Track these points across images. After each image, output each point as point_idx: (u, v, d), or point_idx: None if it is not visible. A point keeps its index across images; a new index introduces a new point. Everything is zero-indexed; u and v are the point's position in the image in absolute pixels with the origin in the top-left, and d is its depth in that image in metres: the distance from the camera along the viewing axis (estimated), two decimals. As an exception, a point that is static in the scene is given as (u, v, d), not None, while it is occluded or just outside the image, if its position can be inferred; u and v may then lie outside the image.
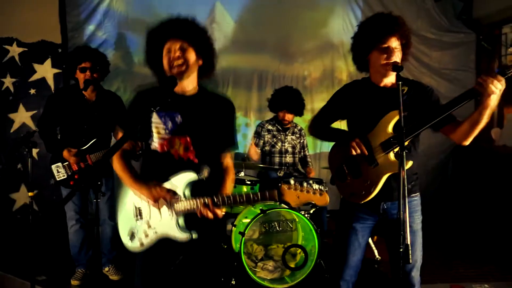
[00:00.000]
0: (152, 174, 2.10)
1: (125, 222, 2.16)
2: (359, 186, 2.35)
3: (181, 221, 2.02)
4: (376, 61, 2.31)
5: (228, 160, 2.23)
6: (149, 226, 2.07)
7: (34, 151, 4.34)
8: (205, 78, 2.22)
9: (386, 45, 2.26)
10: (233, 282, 3.39)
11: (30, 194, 3.02)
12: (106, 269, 3.70)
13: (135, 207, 2.12)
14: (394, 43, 2.26)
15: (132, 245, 2.11)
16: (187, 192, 2.02)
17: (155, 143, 2.09)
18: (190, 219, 2.03)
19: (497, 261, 4.20)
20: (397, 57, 2.26)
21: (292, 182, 1.82)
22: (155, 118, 2.09)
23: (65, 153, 3.38)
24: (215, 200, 1.94)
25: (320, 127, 2.59)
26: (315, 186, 1.81)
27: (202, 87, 2.22)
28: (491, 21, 5.79)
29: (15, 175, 5.09)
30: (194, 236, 2.01)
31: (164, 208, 2.04)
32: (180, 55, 2.04)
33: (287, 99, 4.42)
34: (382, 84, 2.37)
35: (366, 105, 2.37)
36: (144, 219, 2.09)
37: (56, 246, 4.25)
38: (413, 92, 2.33)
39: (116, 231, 3.59)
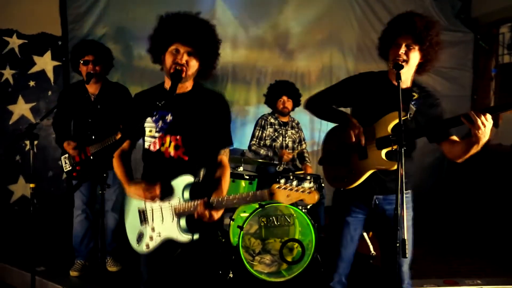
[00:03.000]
0: (149, 172, 2.17)
1: (132, 226, 2.22)
2: (344, 173, 2.43)
3: (182, 223, 2.07)
4: (390, 58, 2.35)
5: (224, 158, 2.22)
6: (153, 230, 2.13)
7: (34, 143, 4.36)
8: (202, 79, 2.24)
9: (396, 42, 2.31)
10: (231, 275, 3.43)
11: (32, 185, 3.04)
12: (105, 260, 3.74)
13: (140, 212, 2.18)
14: (405, 41, 2.29)
15: (140, 248, 2.17)
16: (186, 195, 2.06)
17: (147, 142, 2.14)
18: (192, 221, 2.07)
19: (490, 257, 4.28)
20: (405, 54, 2.27)
21: (282, 181, 1.88)
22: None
23: (65, 145, 3.50)
24: (210, 202, 1.98)
25: (320, 104, 2.59)
26: (305, 185, 1.86)
27: (197, 83, 2.23)
28: (489, 21, 5.85)
29: (14, 167, 5.10)
30: (195, 237, 2.05)
31: (166, 211, 2.09)
32: (185, 62, 2.05)
33: (284, 86, 4.57)
34: (396, 83, 2.40)
35: (375, 99, 2.40)
36: (148, 223, 2.15)
37: (55, 238, 4.29)
38: (422, 100, 2.37)
39: (118, 224, 3.66)
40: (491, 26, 5.89)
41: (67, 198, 3.86)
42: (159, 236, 2.11)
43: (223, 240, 3.82)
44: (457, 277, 3.74)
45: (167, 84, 2.17)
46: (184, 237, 2.05)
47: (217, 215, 2.00)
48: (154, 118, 2.12)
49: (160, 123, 2.12)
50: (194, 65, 2.08)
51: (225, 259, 3.60)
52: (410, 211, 2.44)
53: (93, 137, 3.48)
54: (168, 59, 2.07)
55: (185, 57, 2.05)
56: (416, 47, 2.30)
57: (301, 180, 3.96)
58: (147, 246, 2.14)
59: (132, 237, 2.21)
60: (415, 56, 2.32)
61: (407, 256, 1.89)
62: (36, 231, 3.11)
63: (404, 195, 2.37)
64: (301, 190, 1.84)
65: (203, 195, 2.01)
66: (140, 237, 2.17)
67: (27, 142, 4.90)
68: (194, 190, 2.07)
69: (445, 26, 5.96)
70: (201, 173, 2.11)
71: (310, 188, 1.85)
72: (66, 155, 3.57)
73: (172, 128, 2.11)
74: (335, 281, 2.52)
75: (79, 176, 3.54)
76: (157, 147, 2.12)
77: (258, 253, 3.71)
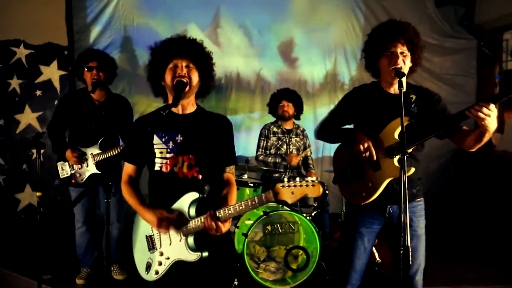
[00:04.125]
0: (159, 195, 2.15)
1: (140, 255, 2.20)
2: (361, 187, 2.40)
3: (190, 241, 2.04)
4: (384, 67, 2.37)
5: (231, 176, 2.24)
6: (161, 254, 2.11)
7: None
8: (200, 98, 2.27)
9: (391, 51, 2.32)
10: (236, 283, 3.43)
11: (38, 194, 3.07)
12: (111, 268, 3.75)
13: (147, 238, 2.17)
14: (400, 48, 2.31)
15: (149, 276, 2.14)
16: (192, 212, 2.05)
17: (159, 164, 2.13)
18: (199, 238, 2.06)
19: (496, 264, 4.25)
20: (402, 62, 2.30)
21: (285, 180, 1.86)
22: (156, 140, 2.14)
23: (68, 153, 3.46)
24: (217, 214, 1.97)
25: (328, 129, 2.60)
26: (308, 179, 1.83)
27: (199, 106, 2.27)
28: (492, 27, 5.85)
29: (20, 176, 5.15)
30: (204, 254, 2.03)
31: (173, 233, 2.07)
32: (186, 73, 2.08)
33: (284, 92, 4.60)
34: (390, 91, 2.42)
35: (373, 110, 2.40)
36: (156, 249, 2.13)
37: (62, 246, 4.31)
38: (421, 100, 2.39)
39: (122, 233, 3.67)
40: (494, 33, 5.90)
41: (69, 210, 3.87)
42: (168, 259, 2.09)
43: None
44: (463, 284, 3.72)
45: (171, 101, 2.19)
46: (193, 256, 2.03)
47: (224, 227, 1.98)
48: (163, 139, 2.13)
49: (171, 144, 2.12)
50: (195, 77, 2.12)
51: (230, 266, 3.60)
52: (423, 219, 2.43)
53: (97, 144, 3.48)
54: (168, 76, 2.10)
55: (185, 69, 2.09)
56: (409, 53, 2.34)
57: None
58: (156, 272, 2.11)
59: (141, 268, 2.18)
60: (408, 63, 2.35)
61: (410, 263, 1.88)
62: (42, 239, 3.13)
63: (418, 203, 2.40)
64: (305, 184, 1.81)
65: (208, 209, 2.00)
66: (149, 265, 2.15)
67: (34, 151, 4.94)
68: (200, 206, 2.07)
69: (449, 33, 5.99)
70: (206, 188, 2.12)
71: (313, 181, 1.82)
72: (64, 162, 3.53)
73: (184, 148, 2.12)
74: None
75: (78, 183, 3.50)
76: (169, 168, 2.11)
77: (263, 261, 3.71)
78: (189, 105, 2.19)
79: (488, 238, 4.93)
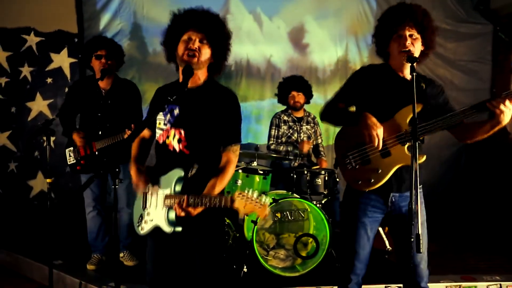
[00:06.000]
0: (156, 163, 2.24)
1: (137, 208, 2.29)
2: (368, 173, 2.32)
3: (171, 215, 2.08)
4: (394, 51, 2.32)
5: (229, 155, 2.15)
6: (148, 214, 2.18)
7: (51, 139, 4.43)
8: (216, 73, 2.25)
9: (399, 34, 2.27)
10: (245, 270, 3.44)
11: (49, 180, 3.09)
12: (121, 254, 3.78)
13: (143, 196, 2.23)
14: (408, 31, 2.26)
15: (137, 229, 2.23)
16: (178, 188, 2.08)
17: (157, 134, 2.21)
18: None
19: (508, 253, 4.20)
20: (411, 45, 2.25)
21: (246, 191, 1.86)
22: None
23: (75, 135, 3.49)
24: (190, 199, 1.98)
25: (333, 111, 2.47)
26: (258, 199, 1.85)
27: (211, 78, 2.23)
28: (508, 12, 5.71)
29: (33, 162, 5.20)
30: (177, 229, 2.07)
31: (160, 199, 2.12)
32: (197, 48, 2.08)
33: (292, 81, 4.53)
34: (401, 74, 2.36)
35: (384, 93, 2.33)
36: (146, 208, 2.20)
37: (73, 232, 4.36)
38: (429, 88, 2.33)
39: (133, 218, 3.68)
40: (511, 17, 5.74)
41: (77, 196, 3.90)
42: (151, 221, 2.15)
43: (238, 234, 3.83)
44: (475, 273, 3.68)
45: (181, 79, 2.18)
46: (167, 228, 2.07)
47: (194, 211, 2.00)
48: (164, 111, 2.17)
49: (168, 116, 2.16)
50: (206, 52, 2.11)
51: (240, 253, 3.60)
52: (423, 206, 2.39)
53: (100, 132, 3.49)
54: (181, 47, 2.11)
55: (197, 43, 2.08)
56: (419, 36, 2.28)
57: (315, 175, 3.94)
58: (142, 229, 2.18)
59: (135, 219, 2.27)
60: (419, 46, 2.29)
61: (421, 251, 1.86)
62: (54, 225, 3.17)
63: (419, 190, 2.36)
64: (254, 202, 1.84)
65: (192, 191, 2.02)
66: (140, 219, 2.22)
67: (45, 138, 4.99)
68: (185, 185, 2.10)
69: (464, 18, 5.86)
70: (194, 169, 2.13)
71: (261, 202, 1.84)
72: (71, 148, 3.57)
73: (178, 121, 2.14)
74: (353, 282, 2.45)
75: (83, 170, 3.54)
76: (163, 139, 2.17)
77: (273, 248, 3.71)
78: (195, 79, 2.17)
79: (500, 226, 4.87)
